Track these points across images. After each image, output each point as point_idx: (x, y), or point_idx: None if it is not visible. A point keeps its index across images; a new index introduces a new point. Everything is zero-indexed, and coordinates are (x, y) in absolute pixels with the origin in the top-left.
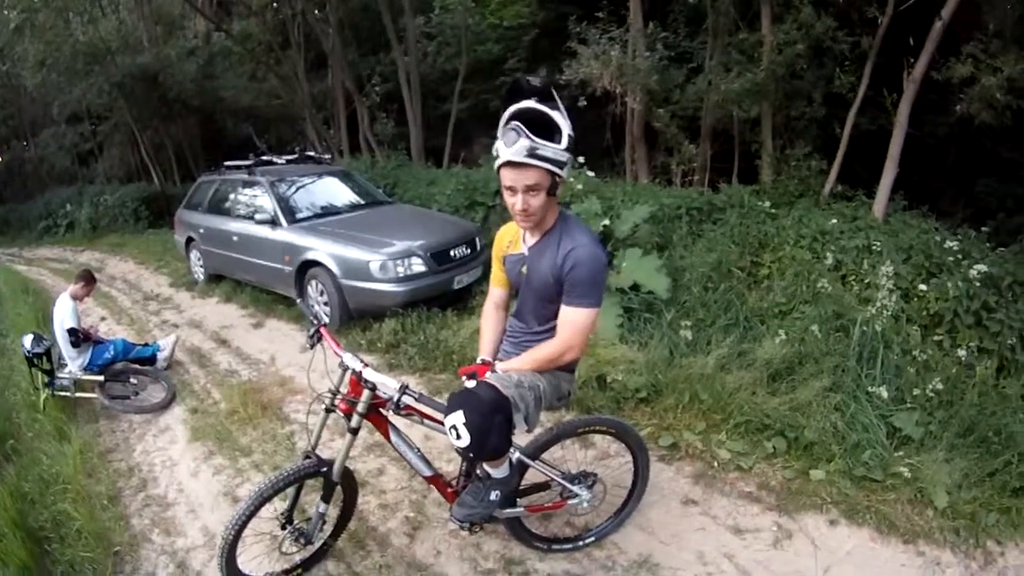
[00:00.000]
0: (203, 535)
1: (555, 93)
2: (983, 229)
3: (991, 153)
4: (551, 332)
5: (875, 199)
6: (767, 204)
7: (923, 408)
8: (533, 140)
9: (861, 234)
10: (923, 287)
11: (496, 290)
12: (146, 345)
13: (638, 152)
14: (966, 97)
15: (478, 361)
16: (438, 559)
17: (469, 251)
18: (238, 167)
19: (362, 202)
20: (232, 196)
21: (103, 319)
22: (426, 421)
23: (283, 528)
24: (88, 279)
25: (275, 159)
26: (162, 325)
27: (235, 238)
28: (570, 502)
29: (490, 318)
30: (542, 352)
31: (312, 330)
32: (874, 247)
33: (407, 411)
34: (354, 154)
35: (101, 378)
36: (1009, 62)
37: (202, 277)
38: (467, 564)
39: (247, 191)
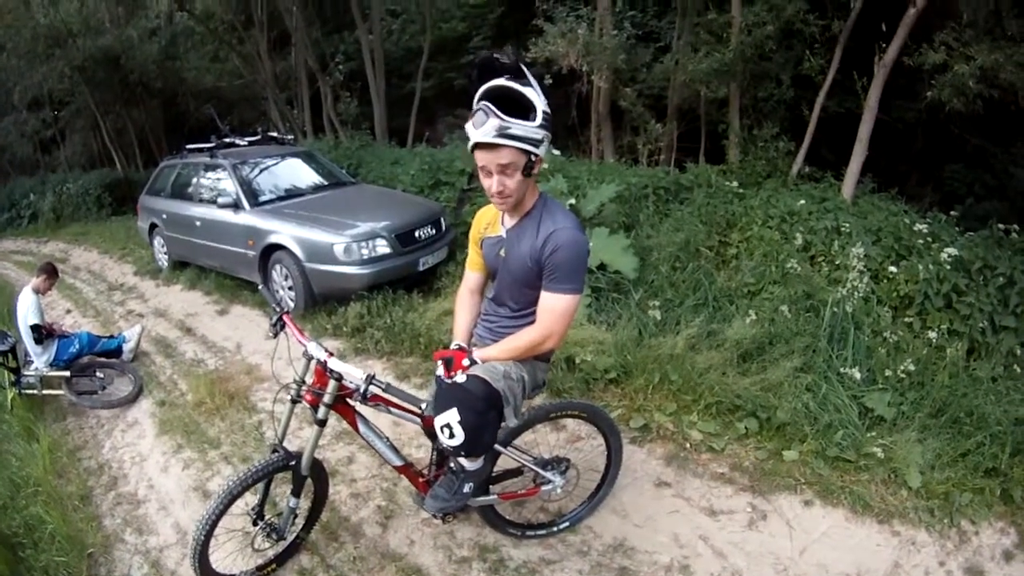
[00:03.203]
0: (175, 532)
1: (526, 69)
2: (952, 213)
3: (959, 139)
4: (528, 318)
5: (844, 181)
6: (735, 184)
7: (895, 389)
8: (503, 119)
9: (830, 215)
10: (893, 269)
11: (471, 274)
12: (111, 337)
13: (604, 131)
14: (937, 84)
15: (452, 346)
16: (412, 548)
17: (434, 232)
18: (200, 150)
19: (325, 183)
20: (195, 180)
21: (68, 311)
22: (394, 411)
23: (254, 524)
24: (50, 272)
25: (238, 141)
26: (127, 315)
27: (198, 223)
28: (543, 488)
29: (465, 302)
30: (522, 340)
31: (275, 318)
32: (843, 228)
33: (374, 401)
34: (317, 134)
35: (67, 373)
36: (982, 51)
37: (166, 264)
38: (441, 553)
39: (210, 174)
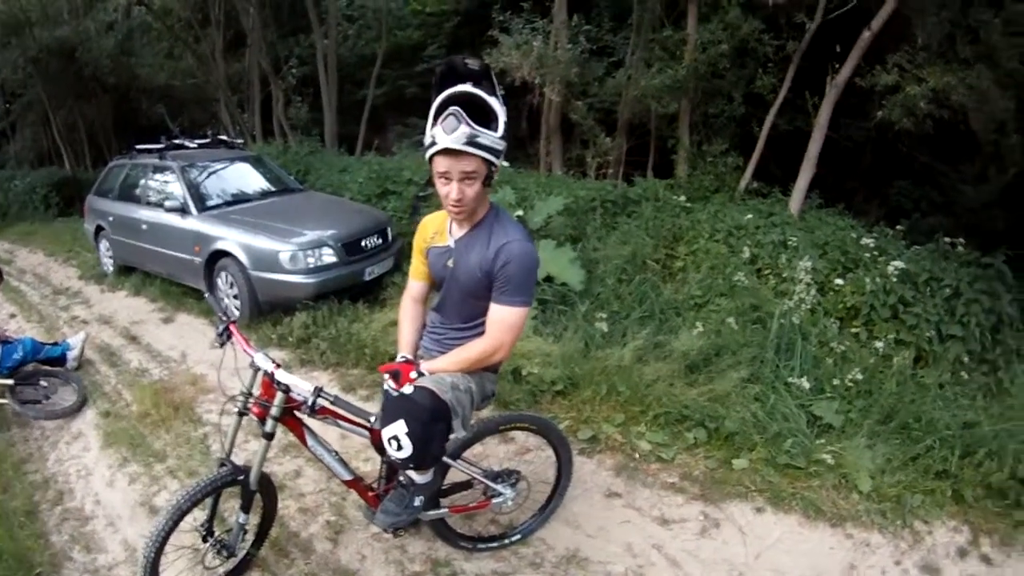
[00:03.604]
0: (124, 549)
1: (493, 76)
2: (898, 228)
3: (907, 157)
4: (475, 329)
5: (791, 196)
6: (682, 198)
7: (842, 397)
8: (473, 127)
9: (777, 230)
10: (839, 281)
11: (415, 283)
12: (55, 344)
13: (553, 143)
14: (888, 104)
15: (399, 358)
16: (364, 564)
17: (380, 241)
18: (150, 151)
19: (274, 189)
20: (143, 182)
21: (12, 316)
22: (342, 424)
23: (204, 540)
24: None
25: (187, 143)
26: (71, 321)
27: (145, 227)
28: (494, 501)
29: (409, 313)
30: (471, 352)
31: (221, 328)
32: (790, 242)
33: (323, 414)
34: (267, 139)
35: (11, 382)
36: (935, 74)
37: (111, 269)
38: (393, 567)
39: (158, 176)
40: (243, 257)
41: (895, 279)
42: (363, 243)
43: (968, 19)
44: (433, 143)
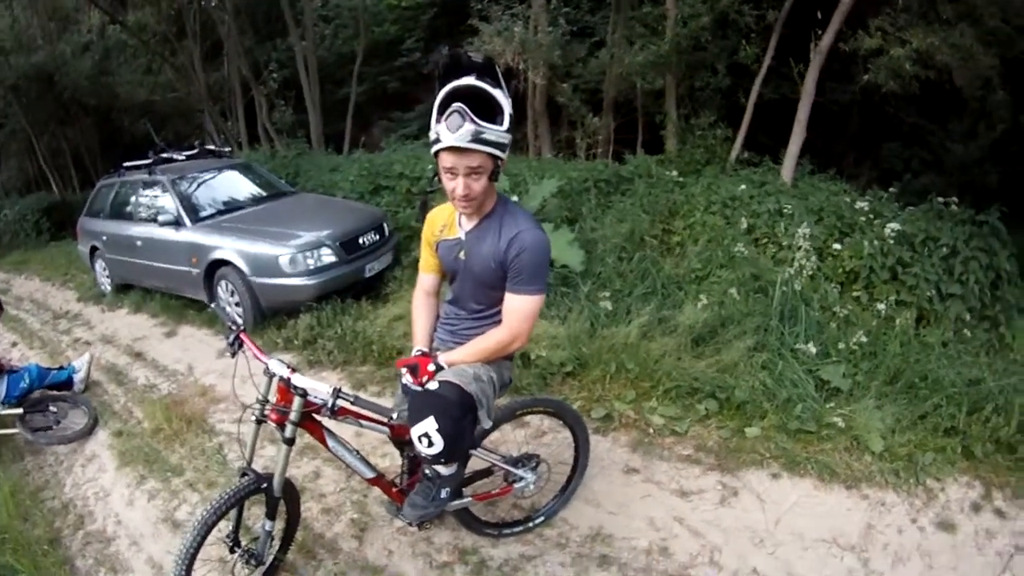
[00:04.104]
0: (150, 567)
1: (497, 68)
2: (891, 190)
3: (895, 119)
4: (490, 319)
5: (783, 164)
6: (674, 173)
7: (848, 360)
8: (478, 124)
9: (771, 198)
10: (837, 246)
11: (426, 276)
12: (61, 368)
13: (541, 127)
14: (873, 67)
15: (414, 352)
16: (391, 559)
17: (378, 237)
18: (138, 167)
19: (265, 194)
20: (133, 198)
21: (14, 344)
22: (364, 423)
23: (231, 552)
24: None
25: (175, 156)
26: (74, 344)
27: (139, 243)
28: (516, 486)
29: (422, 305)
30: (489, 342)
31: (232, 336)
32: (785, 210)
33: (342, 414)
34: (253, 145)
35: (20, 411)
36: (917, 35)
37: (109, 288)
38: (421, 560)
39: (148, 192)
40: (242, 264)
41: (892, 241)
42: (361, 240)
43: None
44: (438, 140)
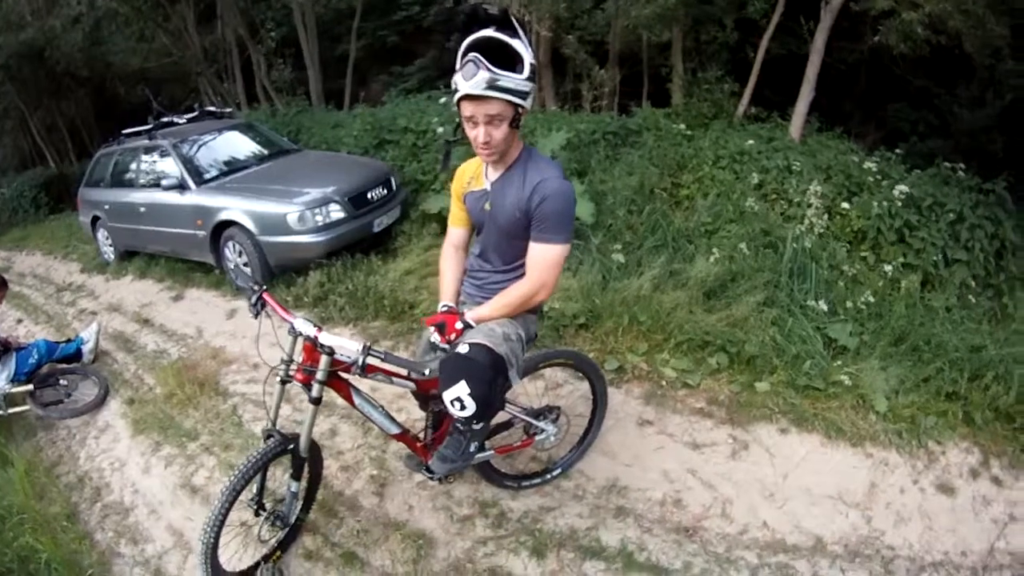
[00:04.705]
0: (171, 535)
1: (515, 20)
2: (897, 151)
3: (902, 80)
4: (517, 271)
5: (791, 121)
6: (682, 126)
7: (855, 320)
8: (493, 71)
9: (779, 154)
10: (845, 205)
11: (455, 230)
12: (69, 341)
13: (544, 79)
14: (884, 28)
15: (441, 308)
16: (412, 513)
17: (386, 192)
18: (138, 133)
19: (269, 153)
20: (134, 165)
21: (20, 321)
22: (395, 380)
23: (256, 515)
24: (0, 284)
25: (176, 119)
26: (80, 316)
27: (143, 209)
28: (537, 438)
29: (450, 260)
30: (513, 295)
31: (254, 297)
32: (794, 167)
33: (371, 371)
34: (252, 104)
35: (31, 387)
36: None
37: (112, 256)
38: (443, 514)
39: (150, 158)
40: (250, 224)
41: (900, 203)
42: (369, 195)
43: None
44: (456, 89)
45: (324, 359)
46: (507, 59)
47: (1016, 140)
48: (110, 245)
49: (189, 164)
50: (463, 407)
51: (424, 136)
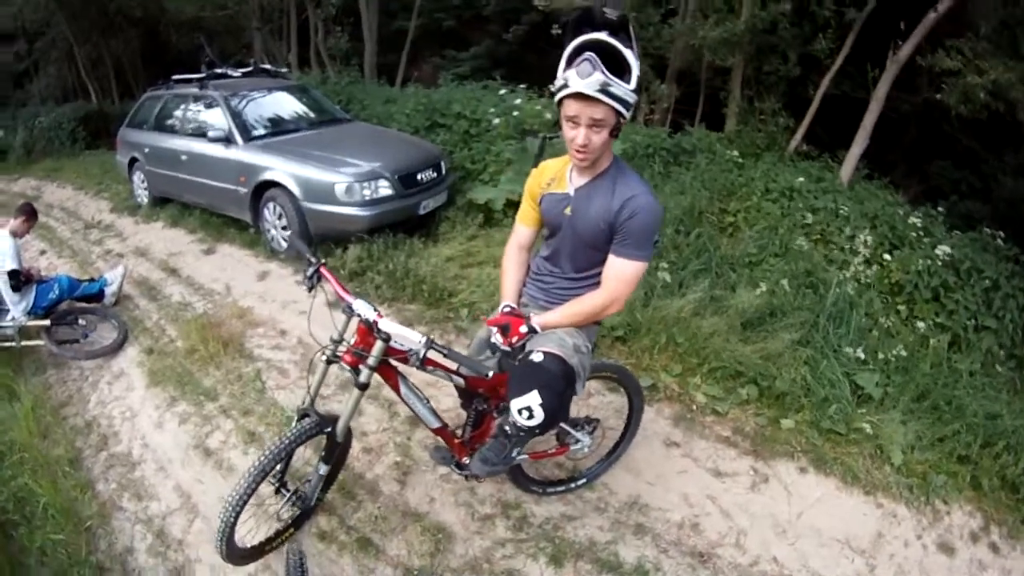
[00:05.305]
0: (178, 496)
1: (631, 28)
2: (938, 209)
3: (950, 138)
4: (586, 281)
5: (843, 165)
6: (735, 153)
7: (882, 371)
8: (607, 76)
9: (828, 196)
10: (887, 257)
11: (524, 229)
12: (92, 281)
13: None
14: (947, 87)
15: (503, 308)
16: (433, 506)
17: (435, 175)
18: (188, 80)
19: (319, 119)
20: (181, 112)
21: (43, 252)
22: (453, 376)
23: (277, 492)
24: (29, 213)
25: (230, 72)
26: (105, 255)
27: (184, 157)
28: (573, 447)
29: (514, 259)
30: (586, 305)
31: (311, 270)
32: (842, 211)
33: (429, 365)
34: (303, 69)
35: (47, 322)
36: (997, 66)
37: (146, 200)
38: (463, 510)
39: (198, 107)
40: (295, 188)
41: (940, 263)
42: (419, 176)
43: None
44: (565, 86)
45: (379, 345)
46: (618, 66)
47: None
48: (145, 189)
49: (238, 119)
50: (531, 416)
51: (478, 125)
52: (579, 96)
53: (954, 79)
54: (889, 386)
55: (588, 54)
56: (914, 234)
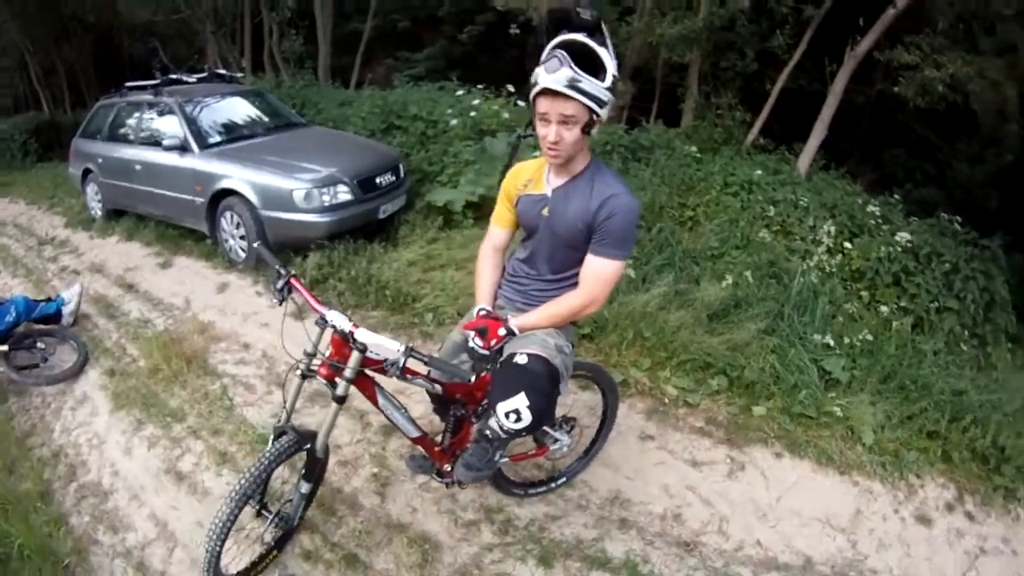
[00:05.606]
0: (154, 525)
1: (605, 29)
2: (895, 197)
3: (903, 127)
4: (564, 283)
5: (800, 157)
6: (693, 148)
7: (848, 355)
8: (575, 71)
9: (787, 188)
10: (848, 245)
11: (499, 230)
12: (49, 300)
13: None
14: (905, 80)
15: (478, 311)
16: (416, 516)
17: (394, 178)
18: (143, 87)
19: (276, 124)
20: (135, 121)
21: None
22: (417, 381)
23: (258, 515)
24: None
25: (184, 78)
26: (61, 273)
27: (139, 167)
28: (552, 447)
29: (489, 261)
30: (564, 305)
31: (280, 282)
32: (801, 202)
33: (409, 374)
34: (257, 73)
35: (5, 347)
36: (955, 60)
37: (99, 213)
38: (447, 517)
39: (153, 114)
40: (252, 196)
41: (900, 249)
42: (378, 180)
43: (987, 8)
44: (535, 83)
45: (355, 356)
46: (591, 64)
47: (1012, 198)
48: (99, 201)
49: (193, 125)
50: (519, 419)
51: (435, 126)
52: (549, 93)
53: (912, 73)
54: (856, 369)
55: (558, 51)
56: (873, 222)
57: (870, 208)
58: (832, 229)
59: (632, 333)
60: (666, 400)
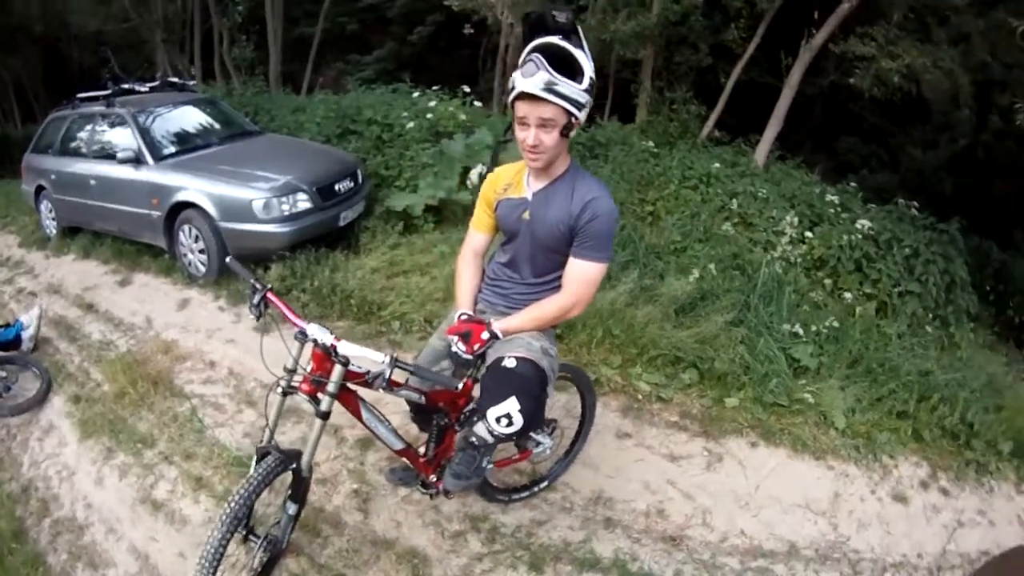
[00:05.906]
0: (134, 559)
1: (580, 31)
2: (852, 185)
3: (856, 116)
4: (546, 286)
5: (757, 149)
6: (650, 143)
7: (815, 342)
8: (552, 74)
9: (745, 180)
10: (809, 234)
11: (478, 235)
12: (8, 326)
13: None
14: (860, 71)
15: (460, 315)
16: (401, 531)
17: (352, 184)
18: (95, 99)
19: (231, 133)
20: (87, 134)
21: None
22: (412, 393)
23: (245, 541)
24: None
25: (136, 87)
26: (18, 296)
27: (93, 182)
28: (535, 451)
29: (469, 265)
30: (547, 308)
31: (257, 297)
32: (760, 194)
33: (395, 386)
34: (207, 80)
35: None
36: (910, 51)
37: (54, 231)
38: (433, 529)
39: (105, 126)
40: (210, 208)
41: (860, 236)
42: (337, 187)
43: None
44: (513, 88)
45: (338, 369)
46: (568, 67)
47: (965, 182)
48: (53, 219)
49: (147, 137)
50: (510, 423)
51: (391, 129)
52: (527, 96)
53: (867, 63)
54: (824, 356)
55: (534, 55)
56: (832, 211)
57: (829, 197)
58: (795, 220)
59: (601, 331)
60: (639, 396)
